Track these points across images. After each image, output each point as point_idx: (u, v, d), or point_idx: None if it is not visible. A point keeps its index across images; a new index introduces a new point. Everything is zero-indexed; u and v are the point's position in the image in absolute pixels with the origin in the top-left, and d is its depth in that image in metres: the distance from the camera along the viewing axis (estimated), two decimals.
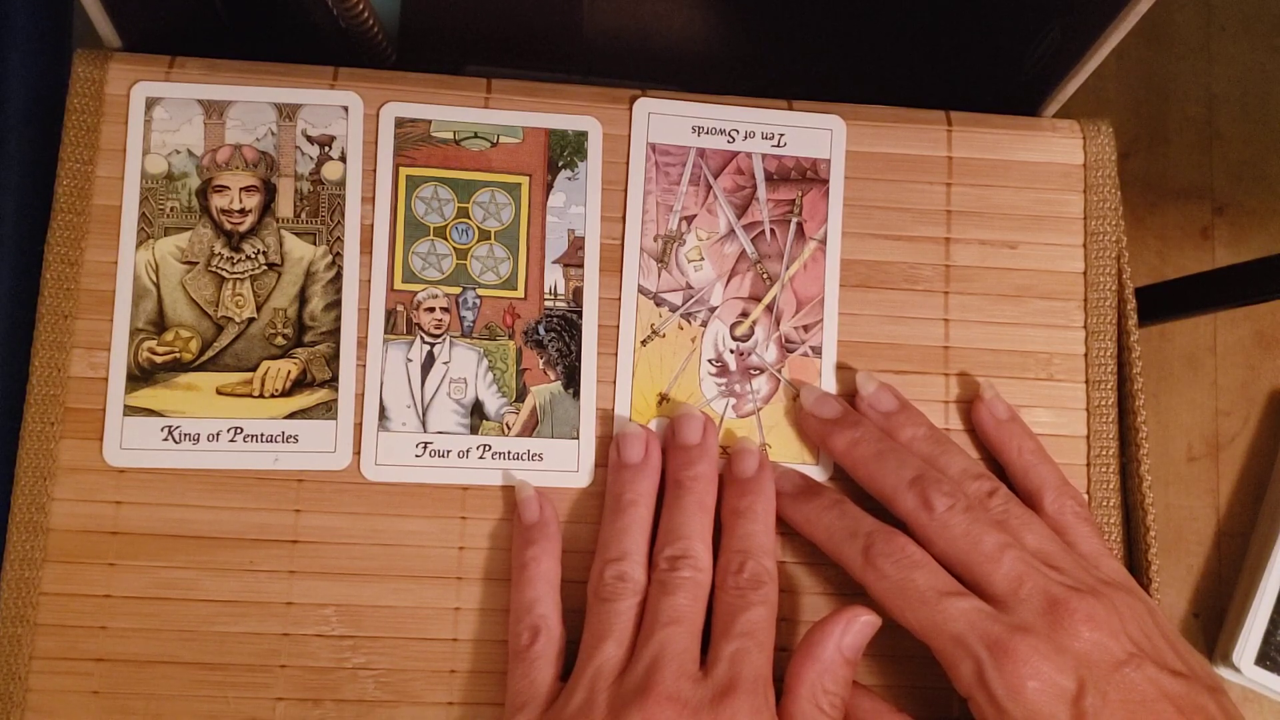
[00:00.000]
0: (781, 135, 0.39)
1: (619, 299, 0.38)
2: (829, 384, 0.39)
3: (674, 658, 0.33)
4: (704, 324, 0.39)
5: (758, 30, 0.49)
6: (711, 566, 0.35)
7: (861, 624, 0.34)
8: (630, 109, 0.39)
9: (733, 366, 0.39)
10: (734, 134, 0.39)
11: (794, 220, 0.39)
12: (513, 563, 0.36)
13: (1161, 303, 0.55)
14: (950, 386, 0.39)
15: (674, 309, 0.39)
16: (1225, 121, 0.65)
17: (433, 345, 0.38)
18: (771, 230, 0.39)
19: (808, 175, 0.39)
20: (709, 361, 0.38)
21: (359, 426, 0.37)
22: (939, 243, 0.40)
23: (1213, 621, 0.62)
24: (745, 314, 0.39)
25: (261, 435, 0.37)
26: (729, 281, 0.39)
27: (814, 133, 0.39)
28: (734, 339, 0.39)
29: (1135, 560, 0.39)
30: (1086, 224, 0.40)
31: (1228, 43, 0.66)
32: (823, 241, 0.39)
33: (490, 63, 0.47)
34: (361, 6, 0.38)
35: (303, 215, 0.38)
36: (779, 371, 0.39)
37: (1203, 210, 0.64)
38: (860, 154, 0.40)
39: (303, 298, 0.37)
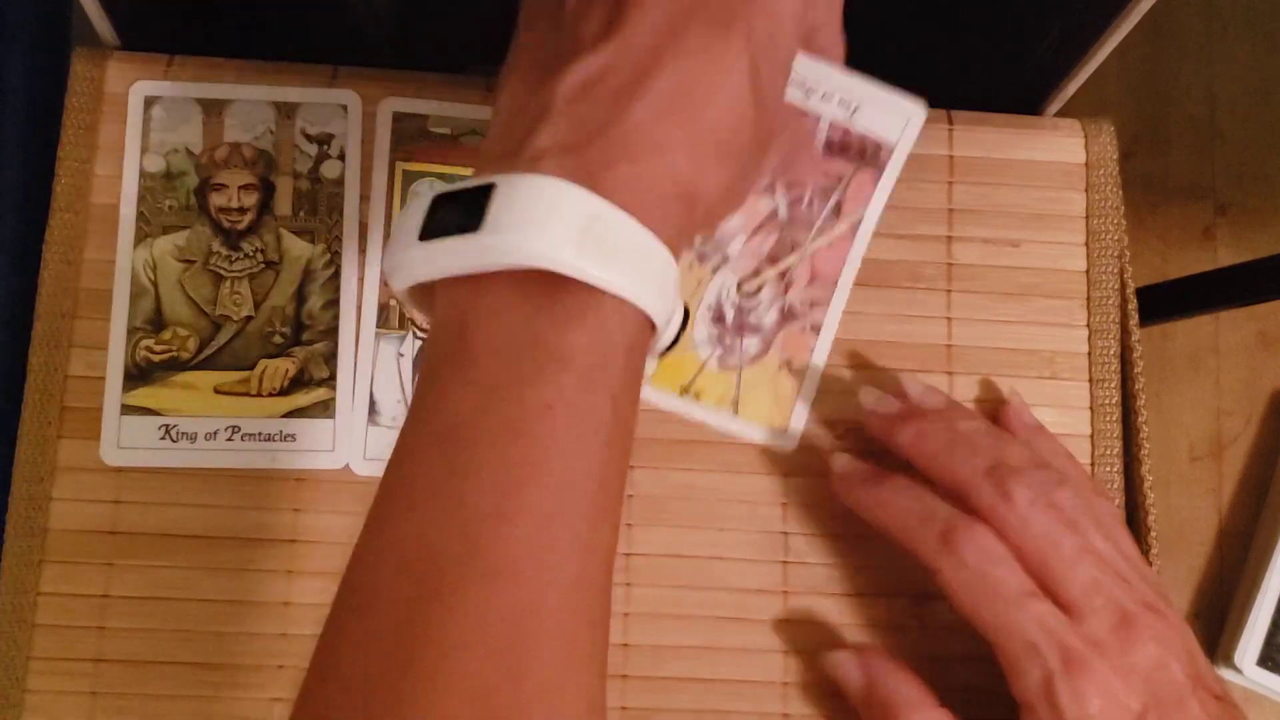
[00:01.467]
0: (857, 107, 0.38)
1: None
2: (821, 360, 0.38)
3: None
4: (715, 270, 0.38)
5: None
6: None
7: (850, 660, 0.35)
8: None
9: (729, 320, 0.38)
10: (810, 91, 0.37)
11: (835, 196, 0.38)
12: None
13: (1164, 302, 0.55)
14: (953, 385, 0.39)
15: (690, 246, 0.38)
16: (1227, 121, 0.65)
17: (425, 341, 0.37)
18: (810, 199, 0.38)
19: (866, 155, 0.38)
20: (708, 307, 0.38)
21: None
22: (941, 241, 0.40)
23: (1214, 622, 0.62)
24: (758, 272, 0.38)
25: (259, 434, 0.37)
26: (752, 236, 0.38)
27: (890, 114, 0.38)
28: (739, 294, 0.38)
29: None
30: (1089, 223, 0.40)
31: (1229, 42, 0.66)
32: (856, 225, 0.39)
33: (490, 62, 0.46)
34: (361, 6, 0.38)
35: (301, 214, 0.38)
36: (772, 338, 0.38)
37: (1205, 210, 0.64)
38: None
39: (301, 296, 0.37)
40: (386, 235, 0.38)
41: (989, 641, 0.33)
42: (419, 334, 0.38)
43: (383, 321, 0.38)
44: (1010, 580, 0.33)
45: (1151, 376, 0.62)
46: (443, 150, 0.38)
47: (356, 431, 0.37)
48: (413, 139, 0.38)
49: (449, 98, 0.39)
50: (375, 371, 0.37)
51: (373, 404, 0.37)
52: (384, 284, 0.38)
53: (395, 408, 0.37)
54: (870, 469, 0.36)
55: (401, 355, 0.37)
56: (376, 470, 0.37)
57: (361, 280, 0.38)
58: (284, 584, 0.36)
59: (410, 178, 0.38)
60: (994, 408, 0.39)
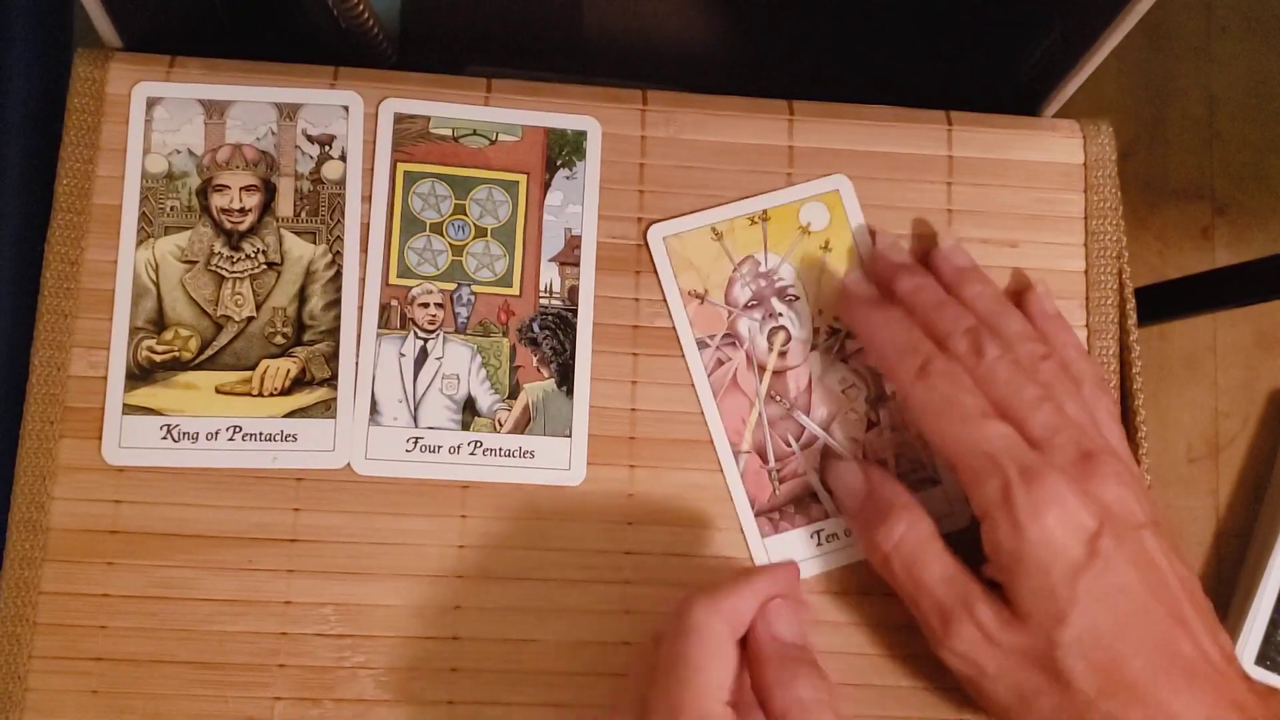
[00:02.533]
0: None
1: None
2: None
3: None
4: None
5: (758, 30, 0.49)
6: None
7: (776, 608, 0.33)
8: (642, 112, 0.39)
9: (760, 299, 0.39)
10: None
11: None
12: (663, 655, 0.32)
13: (1162, 303, 0.55)
14: None
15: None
16: (1225, 122, 0.65)
17: (426, 340, 0.38)
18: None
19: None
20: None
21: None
22: None
23: None
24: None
25: (260, 434, 0.37)
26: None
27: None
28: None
29: None
30: (1087, 223, 0.40)
31: (1228, 43, 0.66)
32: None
33: (490, 63, 0.47)
34: (361, 6, 0.38)
35: (303, 214, 0.38)
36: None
37: (1203, 210, 0.64)
38: (861, 153, 0.40)
39: (302, 297, 0.38)
40: (387, 235, 0.38)
41: (952, 463, 0.35)
42: (419, 334, 0.38)
43: (384, 322, 0.38)
44: (975, 404, 0.34)
45: (1149, 377, 0.63)
46: (443, 151, 0.39)
47: (358, 431, 0.37)
48: (413, 140, 0.38)
49: (449, 98, 0.39)
50: (376, 372, 0.37)
51: (374, 404, 0.37)
52: (385, 284, 0.38)
53: (396, 408, 0.37)
54: (876, 295, 0.38)
55: (403, 355, 0.37)
56: (377, 470, 0.37)
57: (363, 281, 0.38)
58: (284, 584, 0.36)
59: (411, 178, 0.38)
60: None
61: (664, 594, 0.37)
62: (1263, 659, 0.60)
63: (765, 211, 0.39)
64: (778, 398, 0.39)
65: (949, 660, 0.34)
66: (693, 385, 0.38)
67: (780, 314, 0.39)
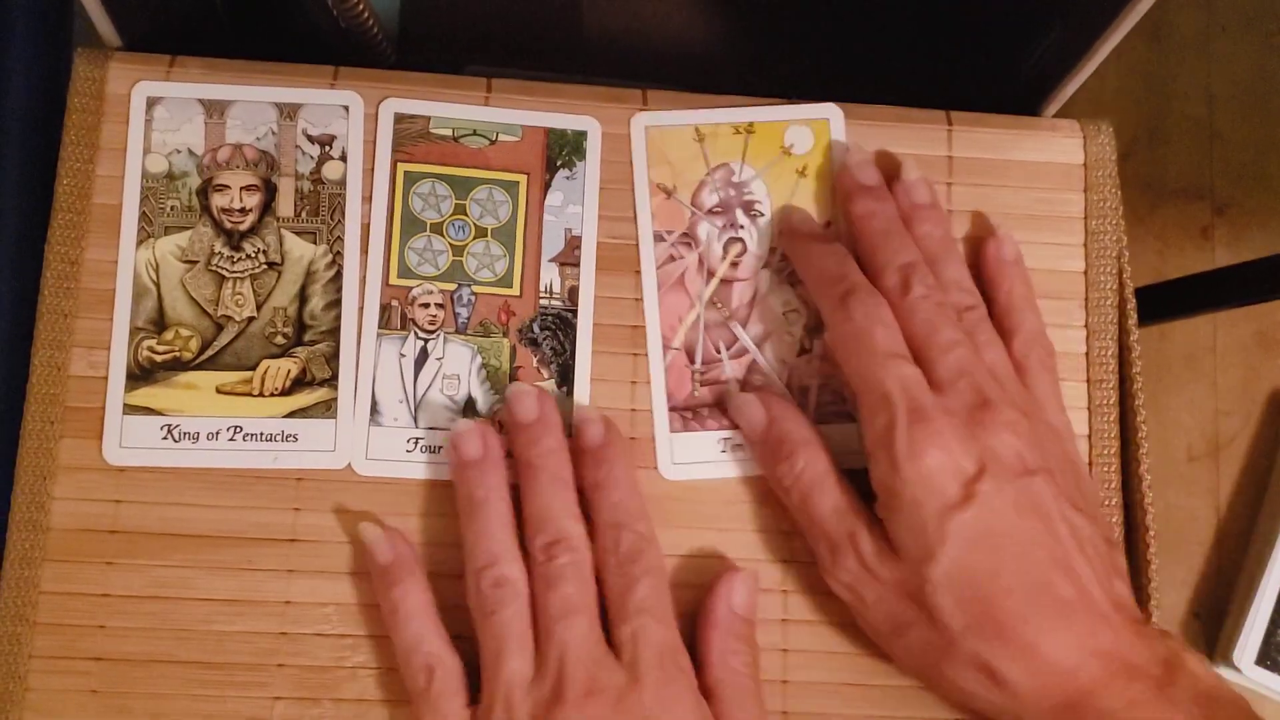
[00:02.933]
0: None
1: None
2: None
3: (580, 652, 0.33)
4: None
5: (758, 30, 0.49)
6: (588, 540, 0.35)
7: (743, 580, 0.36)
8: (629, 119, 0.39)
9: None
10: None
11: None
12: (381, 608, 0.35)
13: (1161, 303, 0.55)
14: None
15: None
16: (1225, 121, 0.65)
17: (426, 341, 0.38)
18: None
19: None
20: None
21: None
22: None
23: (1213, 622, 0.62)
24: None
25: (261, 434, 0.37)
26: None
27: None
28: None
29: (1135, 560, 0.38)
30: (1087, 223, 0.40)
31: (1228, 43, 0.66)
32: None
33: (490, 63, 0.47)
34: (361, 6, 0.38)
35: (303, 214, 0.38)
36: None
37: (1203, 210, 0.64)
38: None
39: (303, 297, 0.38)
40: (388, 235, 0.38)
41: (854, 395, 0.35)
42: (420, 334, 0.38)
43: (384, 322, 0.38)
44: (885, 340, 0.35)
45: (1149, 377, 0.63)
46: (443, 151, 0.39)
47: (358, 432, 0.37)
48: (414, 140, 0.38)
49: (449, 98, 0.39)
50: (377, 372, 0.37)
51: (375, 405, 0.37)
52: (385, 285, 0.38)
53: (397, 408, 0.37)
54: (818, 230, 0.39)
55: (403, 356, 0.37)
56: (378, 470, 0.37)
57: (364, 281, 0.38)
58: (284, 584, 0.36)
59: (412, 178, 0.38)
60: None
61: None
62: (1263, 659, 0.60)
63: (751, 124, 0.40)
64: (719, 305, 0.39)
65: (835, 588, 0.35)
66: (638, 272, 0.38)
67: (742, 226, 0.39)
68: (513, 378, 0.38)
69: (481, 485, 0.35)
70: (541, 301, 0.38)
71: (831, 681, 0.37)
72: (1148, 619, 0.36)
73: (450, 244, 0.38)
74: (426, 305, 0.38)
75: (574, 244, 0.39)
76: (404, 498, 0.37)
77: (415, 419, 0.37)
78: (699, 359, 0.38)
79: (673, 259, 0.39)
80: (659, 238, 0.39)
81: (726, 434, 0.38)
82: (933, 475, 0.33)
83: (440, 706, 0.34)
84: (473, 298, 0.38)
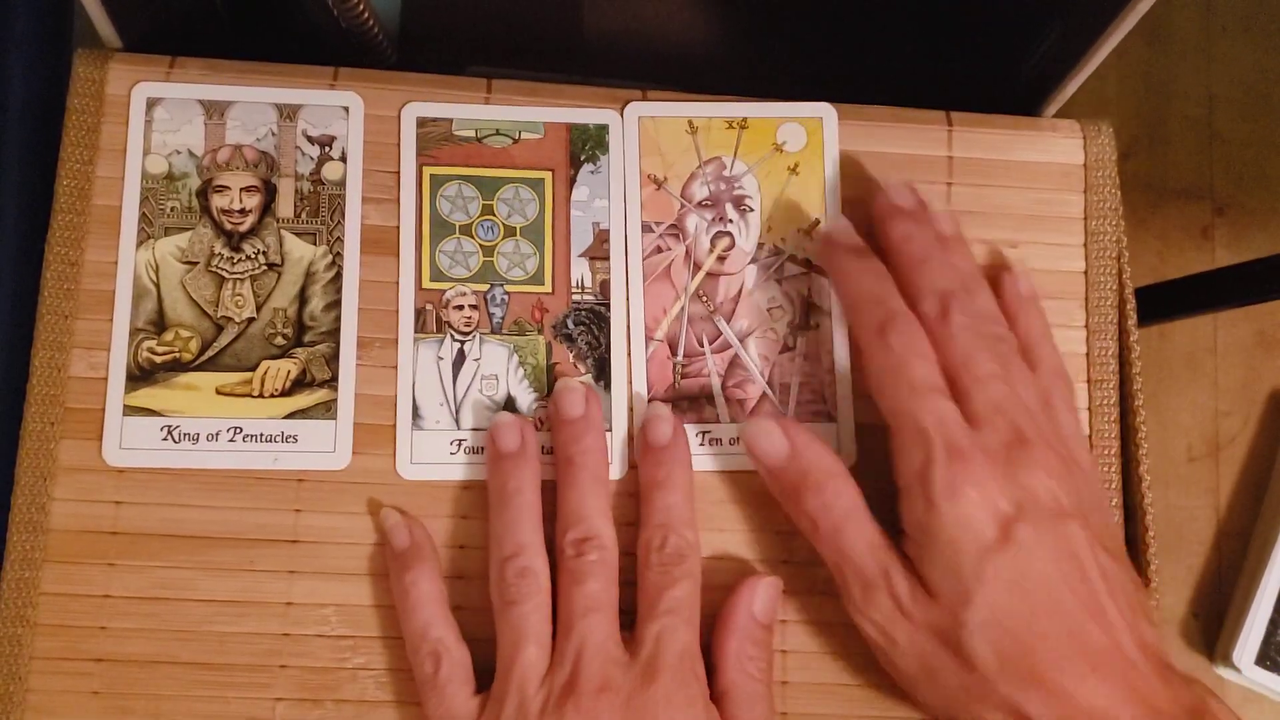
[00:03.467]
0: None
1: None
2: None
3: (598, 648, 0.33)
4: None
5: (757, 30, 0.49)
6: (616, 542, 0.35)
7: (767, 586, 0.36)
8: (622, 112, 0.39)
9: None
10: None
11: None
12: (393, 592, 0.36)
13: (1162, 303, 0.55)
14: None
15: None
16: (1225, 122, 0.65)
17: (463, 343, 0.38)
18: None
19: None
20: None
21: (360, 426, 0.37)
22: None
23: (1212, 622, 0.62)
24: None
25: (261, 435, 0.37)
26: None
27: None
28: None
29: (1135, 560, 0.39)
30: (1087, 224, 0.40)
31: (1228, 43, 0.66)
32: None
33: (490, 63, 0.47)
34: (361, 6, 0.38)
35: (303, 215, 0.38)
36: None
37: (1203, 210, 0.64)
38: (860, 153, 0.40)
39: (303, 298, 0.38)
40: (418, 239, 0.38)
41: (890, 428, 0.35)
42: (455, 337, 0.38)
43: (420, 326, 0.38)
44: (922, 373, 0.34)
45: (1149, 377, 0.63)
46: (467, 152, 0.39)
47: (402, 436, 0.37)
48: (437, 143, 0.38)
49: (450, 99, 0.39)
50: (416, 377, 0.37)
51: (416, 409, 0.37)
52: (418, 289, 0.38)
53: (438, 411, 0.37)
54: (858, 244, 0.37)
55: (441, 359, 0.38)
56: (423, 474, 0.37)
57: (385, 283, 0.38)
58: (285, 584, 0.36)
59: (437, 181, 0.38)
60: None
61: None
62: (1263, 659, 0.60)
63: (745, 119, 0.40)
64: (704, 298, 0.39)
65: (864, 626, 0.34)
66: (625, 261, 0.38)
67: (731, 220, 0.39)
68: (550, 374, 0.38)
69: (515, 477, 0.35)
70: (574, 297, 0.38)
71: (831, 682, 0.37)
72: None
73: (480, 245, 0.38)
74: (460, 307, 0.38)
75: (602, 238, 0.39)
76: (403, 499, 0.37)
77: (457, 421, 0.37)
78: (681, 352, 0.39)
79: (660, 250, 0.39)
80: (647, 228, 0.39)
81: (707, 428, 0.38)
82: (970, 516, 0.32)
83: (447, 694, 0.34)
84: (506, 297, 0.38)
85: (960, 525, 0.32)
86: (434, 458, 0.37)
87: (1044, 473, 0.33)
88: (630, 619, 0.35)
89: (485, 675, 0.35)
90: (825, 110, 0.40)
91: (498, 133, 0.39)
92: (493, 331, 0.38)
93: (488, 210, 0.38)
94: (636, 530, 0.36)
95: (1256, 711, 0.61)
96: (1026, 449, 0.34)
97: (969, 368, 0.35)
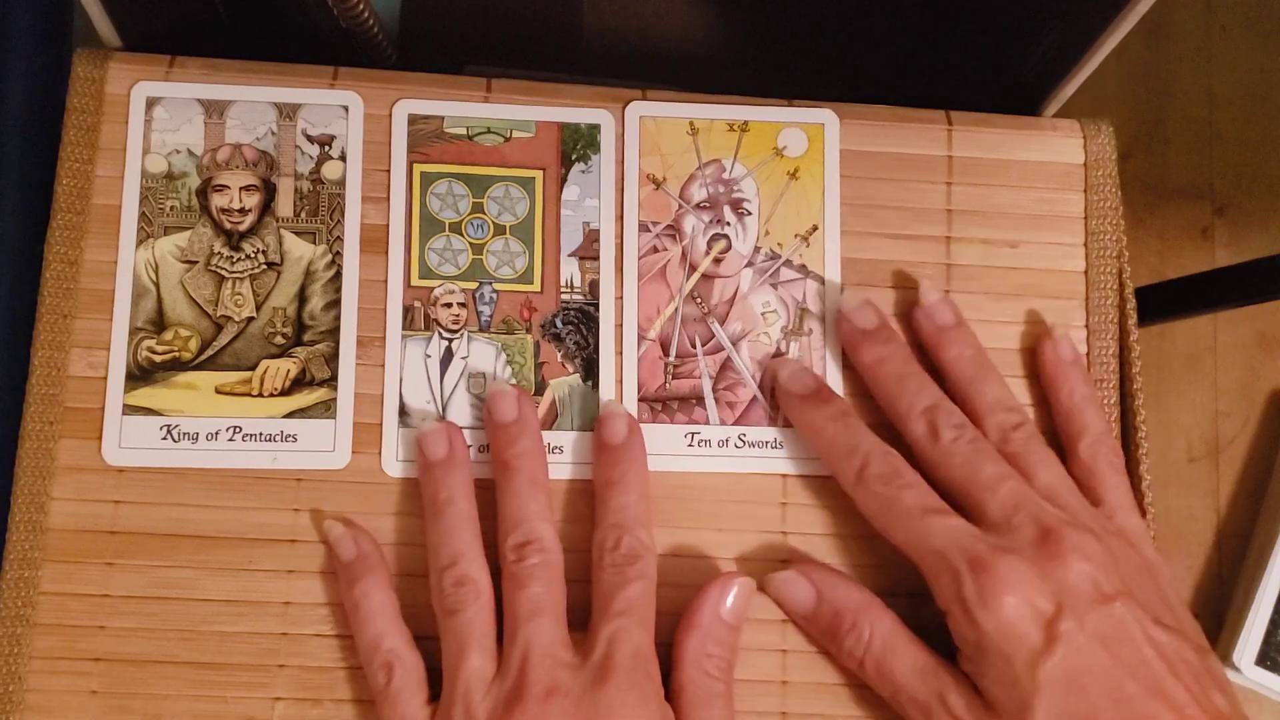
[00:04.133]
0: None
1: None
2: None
3: (544, 652, 0.33)
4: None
5: (757, 30, 0.49)
6: (559, 545, 0.35)
7: (739, 585, 0.35)
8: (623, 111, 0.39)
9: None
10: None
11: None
12: (345, 604, 0.35)
13: (1161, 303, 0.55)
14: None
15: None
16: (1225, 122, 0.65)
17: (450, 340, 0.38)
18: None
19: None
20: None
21: (359, 425, 0.37)
22: (940, 241, 0.40)
23: (1213, 622, 0.62)
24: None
25: (260, 434, 0.37)
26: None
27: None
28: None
29: None
30: (1087, 223, 0.40)
31: (1228, 43, 0.66)
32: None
33: (490, 63, 0.47)
34: (361, 6, 0.38)
35: (302, 215, 0.38)
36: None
37: (1203, 210, 0.64)
38: (861, 153, 0.40)
39: (302, 297, 0.38)
40: (407, 237, 0.38)
41: (912, 560, 0.34)
42: (443, 334, 0.38)
43: (408, 323, 0.38)
44: (917, 500, 0.34)
45: (1149, 377, 0.63)
46: (458, 150, 0.39)
47: (389, 433, 0.37)
48: (428, 140, 0.38)
49: (450, 98, 0.39)
50: (404, 373, 0.37)
51: (402, 406, 0.37)
52: (407, 286, 0.38)
53: (425, 408, 0.37)
54: (815, 386, 0.37)
55: (429, 356, 0.37)
56: (409, 471, 0.37)
57: (379, 282, 0.38)
58: (284, 584, 0.36)
59: (428, 179, 0.38)
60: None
61: (662, 595, 0.37)
62: (1263, 659, 0.60)
63: (746, 123, 0.40)
64: (698, 300, 0.39)
65: None
66: (620, 260, 0.38)
67: (728, 223, 0.39)
68: (538, 374, 0.38)
69: (445, 486, 0.35)
70: (563, 296, 0.38)
71: (831, 682, 0.37)
72: None
73: (470, 243, 0.38)
74: (449, 305, 0.38)
75: (592, 238, 0.39)
76: (402, 497, 0.37)
77: (443, 418, 0.37)
78: (674, 352, 0.38)
79: (655, 250, 0.39)
80: (644, 227, 0.39)
81: (695, 429, 0.38)
82: (1012, 624, 0.32)
83: (399, 703, 0.34)
84: (494, 295, 0.38)
85: (1004, 635, 0.32)
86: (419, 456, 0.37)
87: (1079, 560, 0.33)
88: (584, 617, 0.35)
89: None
90: (827, 116, 0.40)
91: (489, 131, 0.39)
92: (481, 330, 0.38)
93: (478, 208, 0.38)
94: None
95: (1256, 711, 0.61)
96: (1055, 540, 0.33)
97: (974, 477, 0.34)
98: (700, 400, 0.38)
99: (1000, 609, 0.32)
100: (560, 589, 0.34)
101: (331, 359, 0.37)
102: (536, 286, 0.38)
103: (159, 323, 0.37)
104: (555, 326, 0.38)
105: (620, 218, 0.39)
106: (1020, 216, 0.40)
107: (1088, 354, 0.40)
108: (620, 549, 0.35)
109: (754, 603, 0.37)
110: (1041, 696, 0.32)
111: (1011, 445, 0.35)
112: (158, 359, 0.37)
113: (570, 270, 0.38)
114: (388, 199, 0.38)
